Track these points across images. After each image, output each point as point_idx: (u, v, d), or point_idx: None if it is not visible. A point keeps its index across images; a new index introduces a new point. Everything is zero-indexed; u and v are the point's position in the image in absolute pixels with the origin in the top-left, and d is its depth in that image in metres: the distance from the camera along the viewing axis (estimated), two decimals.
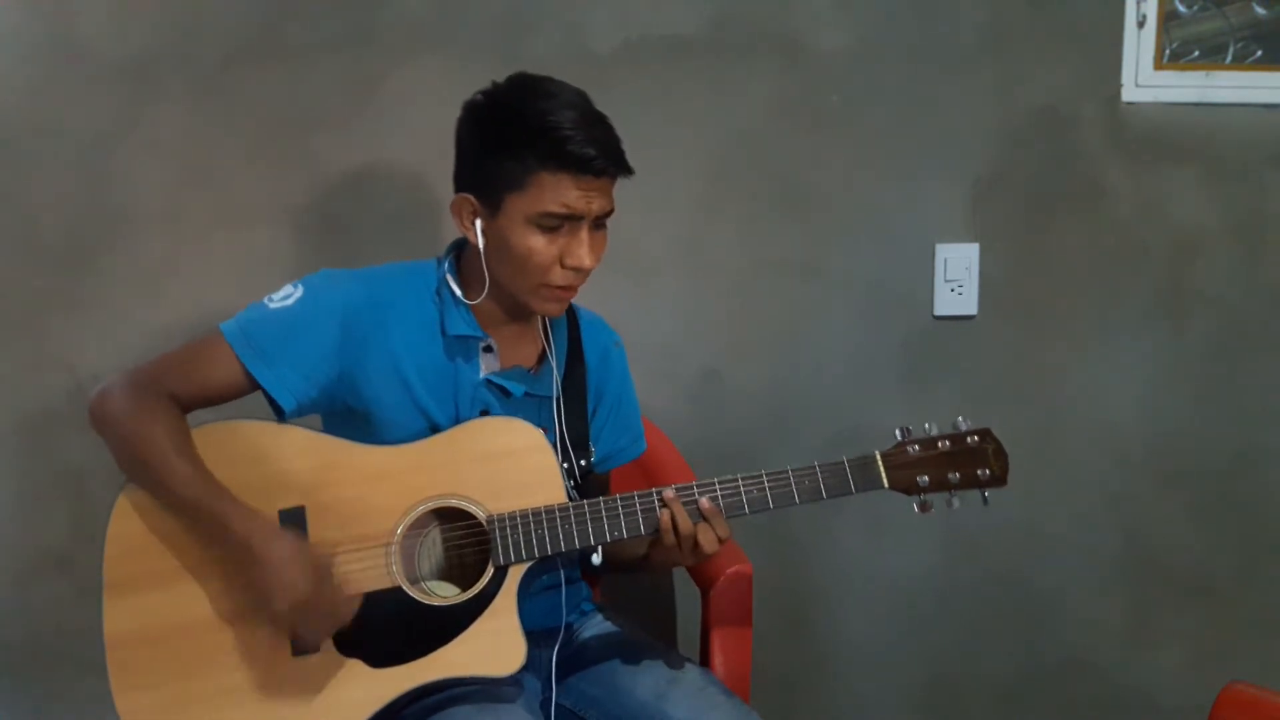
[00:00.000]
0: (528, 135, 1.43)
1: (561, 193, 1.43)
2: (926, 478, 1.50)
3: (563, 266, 1.47)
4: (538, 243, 1.45)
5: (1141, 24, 2.18)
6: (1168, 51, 2.20)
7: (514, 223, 1.45)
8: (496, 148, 1.45)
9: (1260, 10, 2.21)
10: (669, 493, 1.48)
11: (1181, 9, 2.19)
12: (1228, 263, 2.26)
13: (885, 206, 2.18)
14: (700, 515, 1.48)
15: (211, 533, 1.42)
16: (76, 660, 2.03)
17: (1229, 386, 2.29)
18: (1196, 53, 2.21)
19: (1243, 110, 2.22)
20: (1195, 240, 2.26)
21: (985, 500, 1.52)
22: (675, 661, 1.59)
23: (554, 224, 1.45)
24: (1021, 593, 2.32)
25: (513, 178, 1.44)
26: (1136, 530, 2.33)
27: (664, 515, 1.47)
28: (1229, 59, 2.21)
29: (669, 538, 1.48)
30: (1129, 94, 2.20)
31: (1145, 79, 2.20)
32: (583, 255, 1.46)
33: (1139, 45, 2.19)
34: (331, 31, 2.01)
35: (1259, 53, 2.22)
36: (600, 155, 1.43)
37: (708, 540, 1.47)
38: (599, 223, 1.49)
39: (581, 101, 1.47)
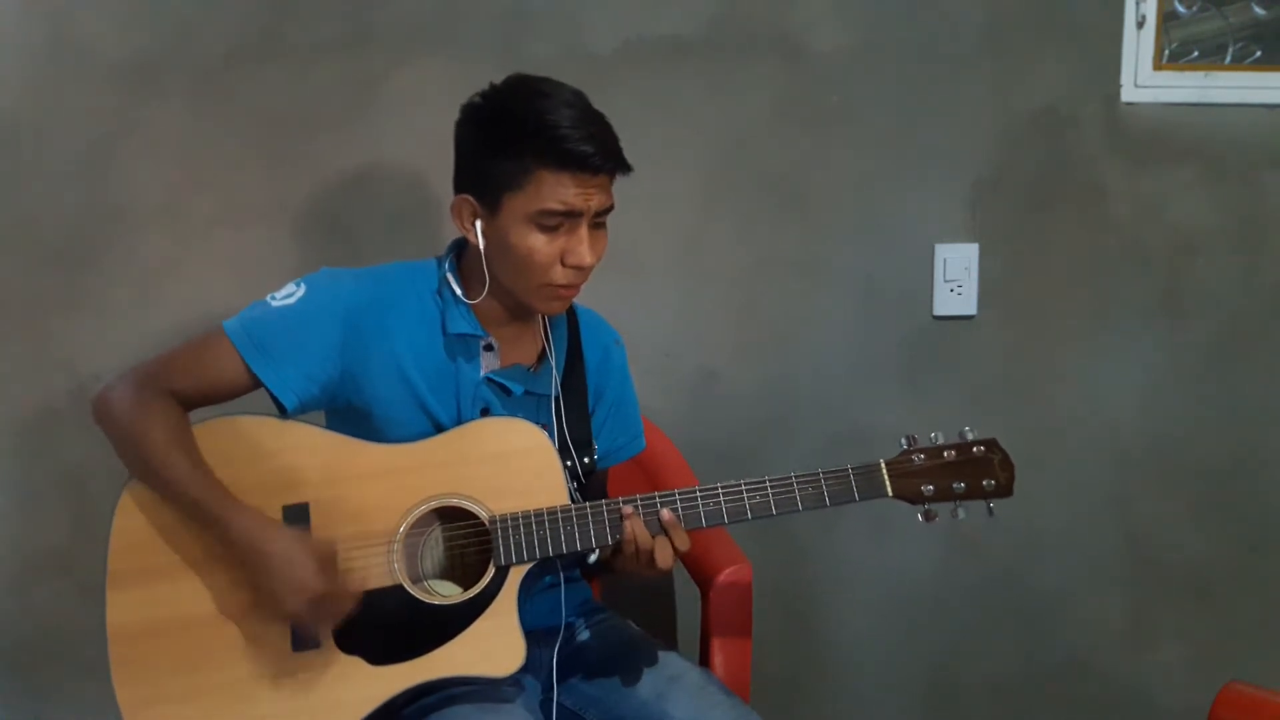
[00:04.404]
0: (525, 134, 1.43)
1: (560, 190, 1.43)
2: (931, 487, 1.49)
3: (564, 265, 1.47)
4: (538, 242, 1.45)
5: (1141, 24, 2.19)
6: (1167, 52, 2.20)
7: (514, 222, 1.45)
8: (494, 148, 1.45)
9: (1259, 10, 2.21)
10: (627, 508, 1.47)
11: (1181, 9, 2.20)
12: (1228, 263, 2.26)
13: (885, 206, 2.18)
14: (660, 527, 1.47)
15: (211, 531, 1.42)
16: (77, 660, 2.03)
17: (1229, 386, 2.30)
18: (1196, 53, 2.21)
19: (1242, 110, 2.22)
20: (1195, 240, 2.26)
21: (990, 511, 1.52)
22: (675, 661, 1.59)
23: (553, 223, 1.45)
24: (1021, 593, 2.32)
25: (511, 177, 1.44)
26: (1136, 530, 2.33)
27: (625, 526, 1.47)
28: (1228, 59, 2.21)
29: (629, 548, 1.47)
30: (1128, 94, 2.20)
31: (1144, 79, 2.20)
32: (583, 253, 1.46)
33: (1138, 45, 2.19)
34: (331, 31, 2.01)
35: (1258, 53, 2.22)
36: (598, 152, 1.43)
37: (663, 556, 1.46)
38: (599, 221, 1.49)
39: (578, 100, 1.47)
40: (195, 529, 1.44)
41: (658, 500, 1.48)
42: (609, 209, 1.49)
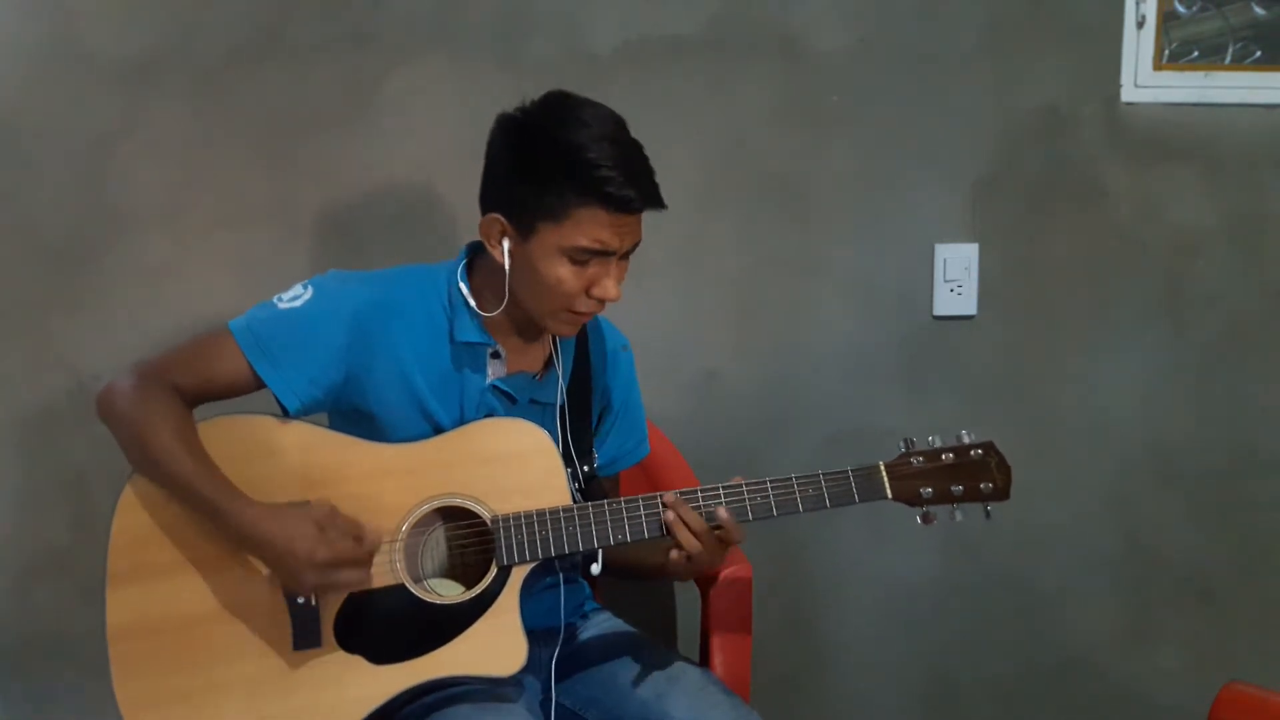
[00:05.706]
0: (566, 168, 1.42)
1: (597, 230, 1.43)
2: (930, 489, 1.50)
3: (588, 296, 1.47)
4: (566, 273, 1.45)
5: (1141, 24, 2.19)
6: (1167, 52, 2.20)
7: (545, 251, 1.45)
8: (532, 174, 1.44)
9: (1259, 10, 2.21)
10: (669, 497, 1.48)
11: (1181, 9, 2.20)
12: (1228, 263, 2.26)
13: (885, 206, 2.18)
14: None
15: (214, 524, 1.42)
16: (77, 660, 2.02)
17: (1229, 386, 2.30)
18: (1196, 53, 2.21)
19: (1242, 110, 2.22)
20: (1195, 240, 2.26)
21: (988, 514, 1.53)
22: (675, 661, 1.59)
23: (585, 258, 1.45)
24: (1021, 593, 2.32)
25: (548, 208, 1.43)
26: (1136, 530, 2.33)
27: (667, 516, 1.47)
28: (1228, 59, 2.22)
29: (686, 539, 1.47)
30: (1128, 94, 2.20)
31: (1145, 79, 2.20)
32: (609, 287, 1.47)
33: (1138, 45, 2.19)
34: (331, 31, 2.01)
35: (1258, 53, 2.22)
36: (639, 196, 1.43)
37: (715, 555, 1.48)
38: (625, 254, 1.49)
39: (619, 133, 1.46)
40: (197, 525, 1.44)
41: (660, 500, 1.48)
42: (638, 244, 1.50)
